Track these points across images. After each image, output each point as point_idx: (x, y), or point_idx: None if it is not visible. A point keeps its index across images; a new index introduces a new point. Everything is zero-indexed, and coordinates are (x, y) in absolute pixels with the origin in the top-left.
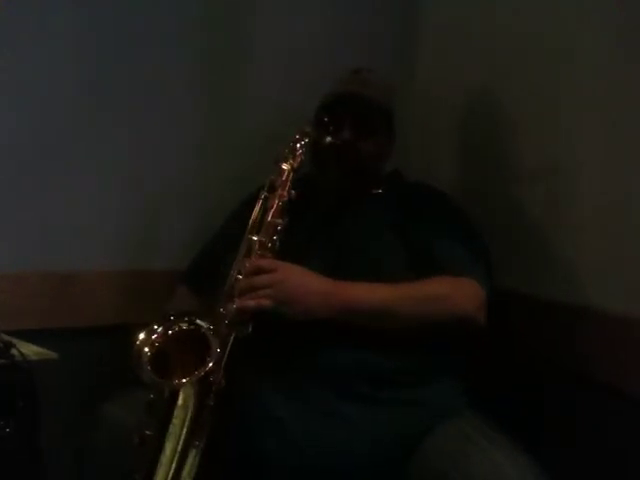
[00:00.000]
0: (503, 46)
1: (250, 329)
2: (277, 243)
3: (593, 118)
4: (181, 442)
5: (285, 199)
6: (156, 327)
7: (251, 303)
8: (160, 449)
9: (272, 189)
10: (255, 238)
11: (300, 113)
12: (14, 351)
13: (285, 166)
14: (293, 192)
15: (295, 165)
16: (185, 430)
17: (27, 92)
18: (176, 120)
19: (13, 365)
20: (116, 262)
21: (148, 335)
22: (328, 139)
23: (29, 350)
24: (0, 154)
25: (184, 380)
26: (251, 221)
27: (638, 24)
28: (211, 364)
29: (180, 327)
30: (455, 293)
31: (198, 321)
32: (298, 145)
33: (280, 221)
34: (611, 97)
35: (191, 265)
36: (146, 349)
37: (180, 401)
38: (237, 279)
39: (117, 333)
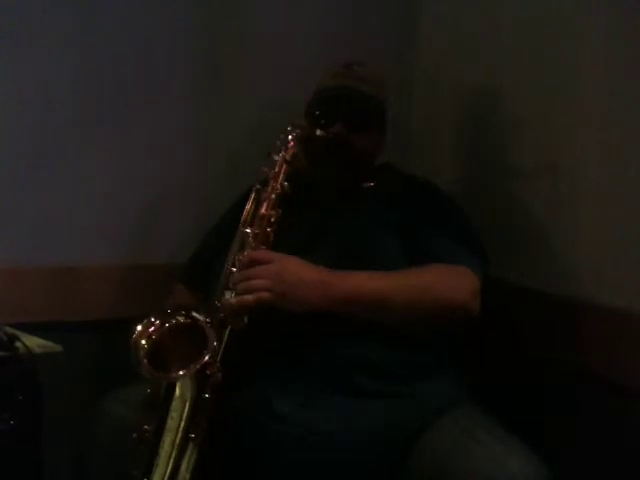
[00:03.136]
0: (504, 44)
1: (246, 321)
2: (271, 235)
3: (593, 115)
4: (179, 436)
5: (278, 191)
6: (153, 320)
7: (249, 298)
8: (159, 443)
9: (265, 181)
10: (248, 230)
11: (300, 112)
12: (18, 344)
13: (277, 158)
14: (287, 184)
15: (287, 157)
16: (183, 424)
17: (27, 89)
18: (175, 117)
19: (17, 358)
20: (116, 256)
21: (145, 328)
22: (319, 132)
23: (33, 343)
24: (1, 150)
25: (181, 373)
26: (244, 214)
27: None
28: (207, 357)
29: (177, 320)
30: (450, 280)
31: (194, 314)
32: (290, 137)
33: (273, 212)
34: (612, 94)
35: (187, 263)
36: (143, 342)
37: (177, 394)
38: (232, 272)
39: (116, 327)
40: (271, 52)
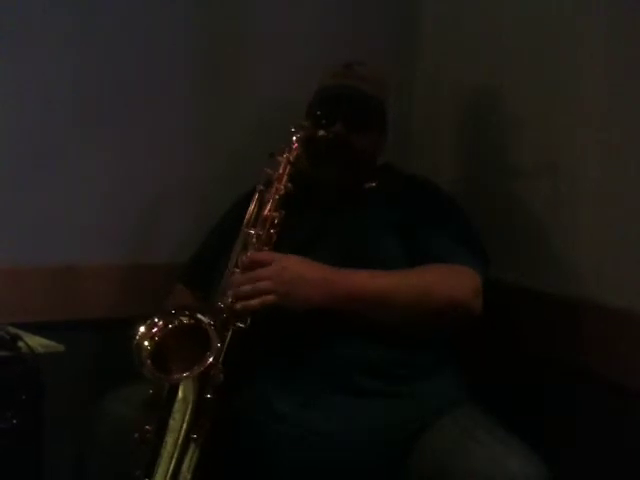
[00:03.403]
0: (504, 44)
1: (249, 323)
2: (275, 236)
3: (593, 115)
4: (181, 436)
5: (282, 192)
6: (156, 321)
7: (254, 302)
8: (161, 444)
9: (268, 183)
10: (252, 232)
11: (301, 112)
12: (21, 344)
13: (280, 159)
14: (290, 185)
15: (291, 158)
16: (185, 425)
17: (28, 89)
18: (175, 117)
19: (20, 357)
20: (116, 256)
21: (148, 329)
22: (321, 132)
23: (36, 343)
24: (1, 150)
25: (184, 375)
26: (247, 215)
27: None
28: (211, 359)
29: (180, 321)
30: (451, 280)
31: (198, 315)
32: (294, 138)
33: (277, 214)
34: (612, 94)
35: (187, 263)
36: (146, 343)
37: (180, 396)
38: (234, 273)
39: (116, 327)
40: (271, 52)
